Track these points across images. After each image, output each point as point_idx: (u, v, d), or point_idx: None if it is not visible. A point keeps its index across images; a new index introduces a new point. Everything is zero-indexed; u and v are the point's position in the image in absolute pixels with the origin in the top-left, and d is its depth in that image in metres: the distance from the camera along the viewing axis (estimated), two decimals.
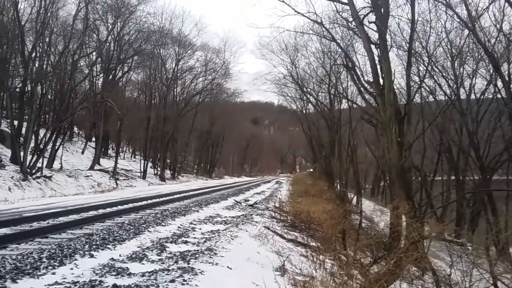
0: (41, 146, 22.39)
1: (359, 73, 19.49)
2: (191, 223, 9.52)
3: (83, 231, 8.01)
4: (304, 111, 39.18)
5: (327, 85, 29.72)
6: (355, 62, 20.46)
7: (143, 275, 4.84)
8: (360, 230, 10.50)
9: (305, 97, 34.65)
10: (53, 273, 4.81)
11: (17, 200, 15.87)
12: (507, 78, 17.47)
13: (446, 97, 22.38)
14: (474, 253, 7.55)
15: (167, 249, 6.43)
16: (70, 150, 33.07)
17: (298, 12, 17.52)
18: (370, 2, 13.88)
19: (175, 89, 45.05)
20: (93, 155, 32.22)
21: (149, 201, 14.59)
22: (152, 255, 5.96)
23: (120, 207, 12.33)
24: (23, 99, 22.76)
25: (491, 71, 19.48)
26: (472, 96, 22.54)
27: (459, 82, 21.38)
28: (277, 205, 14.93)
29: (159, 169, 40.47)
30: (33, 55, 22.58)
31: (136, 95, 46.73)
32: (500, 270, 6.61)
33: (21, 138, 21.80)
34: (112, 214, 10.59)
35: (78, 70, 28.78)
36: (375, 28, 14.04)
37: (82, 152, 34.85)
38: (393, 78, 13.34)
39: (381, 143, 20.69)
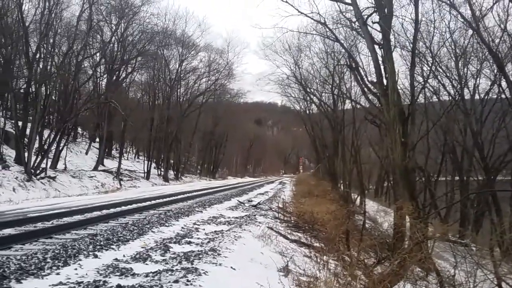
0: (45, 147, 22.48)
1: (362, 73, 19.48)
2: (194, 223, 9.53)
3: (87, 232, 8.03)
4: (307, 112, 39.19)
5: (330, 86, 29.69)
6: (358, 63, 20.41)
7: (147, 275, 4.85)
8: (364, 230, 10.47)
9: (308, 98, 34.69)
10: (58, 274, 4.83)
11: (21, 201, 15.93)
12: (511, 78, 17.40)
13: (450, 97, 22.34)
14: (478, 253, 7.51)
15: (170, 249, 6.44)
16: (74, 150, 33.18)
17: (302, 13, 17.49)
18: (373, 2, 13.85)
19: (178, 90, 45.11)
20: (97, 156, 32.31)
21: (153, 202, 14.63)
22: (156, 255, 5.97)
23: (123, 208, 12.37)
24: (28, 100, 22.84)
25: (495, 71, 19.42)
26: (476, 96, 22.47)
27: (463, 82, 21.33)
28: (280, 205, 14.91)
29: (162, 169, 40.53)
30: (37, 56, 22.66)
31: (140, 96, 46.87)
32: (505, 271, 6.57)
33: (26, 139, 21.87)
34: (116, 215, 10.62)
35: (82, 71, 28.84)
36: (378, 28, 14.00)
37: (86, 153, 34.96)
38: (396, 78, 13.33)
39: (385, 144, 20.63)
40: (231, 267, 5.54)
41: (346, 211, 11.78)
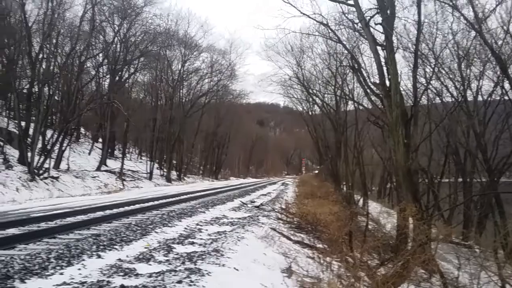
0: (48, 147, 22.52)
1: (365, 74, 19.42)
2: (197, 224, 9.53)
3: (90, 232, 8.05)
4: (310, 113, 39.13)
5: (333, 87, 29.61)
6: (361, 64, 20.35)
7: (150, 275, 4.85)
8: (367, 232, 10.47)
9: (311, 99, 34.61)
10: (61, 273, 4.84)
11: (24, 201, 15.99)
12: None
13: (453, 99, 22.27)
14: (482, 255, 7.51)
15: (174, 250, 6.44)
16: (77, 151, 33.24)
17: (304, 14, 17.45)
18: (376, 4, 13.82)
19: (181, 91, 45.17)
20: (100, 156, 32.36)
21: (156, 202, 14.64)
22: (159, 256, 5.97)
23: (126, 208, 12.39)
24: (31, 100, 22.91)
25: (498, 73, 19.35)
26: (479, 98, 22.41)
27: (466, 84, 21.25)
28: (283, 206, 14.91)
29: (165, 170, 40.57)
30: (40, 56, 22.69)
31: (142, 97, 46.94)
32: (509, 273, 6.56)
33: (29, 139, 21.92)
34: (119, 215, 10.63)
35: (84, 72, 28.93)
36: (381, 29, 13.99)
37: (89, 153, 35.02)
38: (399, 79, 13.32)
39: (388, 145, 20.60)
40: (234, 268, 5.53)
41: (349, 213, 11.80)
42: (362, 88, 19.90)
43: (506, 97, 19.93)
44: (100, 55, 30.95)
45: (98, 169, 29.30)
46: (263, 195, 22.90)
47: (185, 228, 8.78)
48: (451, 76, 21.36)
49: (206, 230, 8.73)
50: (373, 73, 19.41)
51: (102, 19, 29.12)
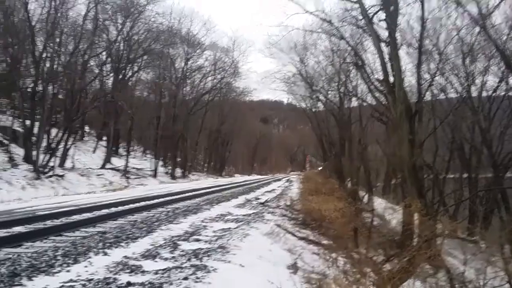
0: (53, 146, 22.60)
1: (368, 71, 19.40)
2: (202, 221, 9.55)
3: (96, 229, 8.08)
4: (313, 110, 39.04)
5: (336, 84, 29.52)
6: (364, 60, 20.28)
7: (156, 272, 4.87)
8: (372, 228, 10.45)
9: (314, 96, 34.51)
10: (68, 271, 4.86)
11: (30, 199, 16.05)
12: None
13: (458, 95, 22.18)
14: (488, 251, 7.48)
15: (179, 247, 6.46)
16: (81, 149, 33.32)
17: (307, 11, 17.45)
18: (379, 0, 13.79)
19: (184, 88, 45.18)
20: (105, 154, 32.44)
21: (161, 199, 14.68)
22: (165, 252, 5.99)
23: (132, 206, 12.43)
24: (35, 99, 22.96)
25: (503, 68, 19.26)
26: (484, 94, 22.30)
27: (470, 79, 21.15)
28: (288, 203, 14.91)
29: (169, 167, 40.63)
30: (44, 55, 22.75)
31: (146, 95, 46.98)
32: None
33: (34, 138, 21.99)
34: (124, 212, 10.67)
35: (88, 70, 28.97)
36: (384, 26, 13.94)
37: (94, 151, 35.11)
38: (403, 76, 13.28)
39: (392, 141, 20.54)
40: (240, 264, 5.55)
41: (354, 209, 11.78)
42: (366, 85, 19.91)
43: (511, 93, 19.85)
44: (104, 53, 31.04)
45: (103, 167, 29.38)
46: (267, 192, 22.91)
47: (190, 225, 8.80)
48: (455, 72, 21.27)
49: (211, 227, 8.74)
50: (377, 70, 19.32)
51: (105, 18, 29.18)
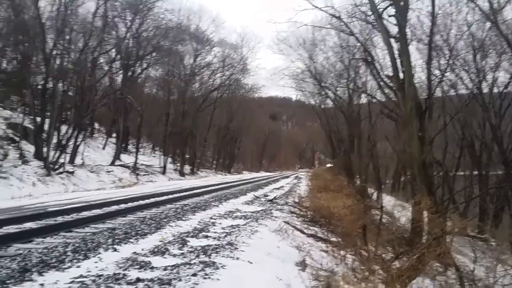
0: (63, 142, 22.77)
1: (378, 67, 19.28)
2: (211, 217, 9.57)
3: (106, 226, 8.14)
4: (322, 106, 38.94)
5: (345, 80, 29.40)
6: (374, 56, 20.17)
7: (165, 268, 4.89)
8: (381, 225, 10.41)
9: (323, 92, 34.36)
10: (78, 266, 4.90)
11: (41, 195, 16.21)
12: None
13: (468, 91, 21.99)
14: (498, 249, 7.43)
15: (188, 243, 6.47)
16: (91, 146, 33.53)
17: (316, 7, 17.40)
18: None
19: (193, 85, 45.21)
20: (114, 151, 32.63)
21: (170, 196, 14.74)
22: (173, 249, 6.01)
23: (141, 202, 12.49)
24: (45, 96, 23.13)
25: None
26: (495, 90, 22.09)
27: (481, 75, 20.96)
28: (296, 200, 14.90)
29: (178, 164, 40.78)
30: (54, 52, 22.89)
31: (155, 91, 47.12)
32: None
33: (44, 135, 22.17)
34: (133, 209, 10.73)
35: (98, 67, 29.11)
36: (394, 21, 13.85)
37: (103, 148, 35.32)
38: (413, 72, 13.18)
39: (402, 138, 20.43)
40: (248, 261, 5.55)
41: (363, 206, 11.75)
42: (375, 81, 19.78)
43: None
44: (113, 50, 31.11)
45: (113, 163, 29.56)
46: (276, 188, 22.90)
47: (199, 222, 8.82)
48: (466, 68, 21.10)
49: (220, 223, 8.76)
50: (386, 66, 19.21)
51: (114, 15, 29.27)
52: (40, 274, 4.55)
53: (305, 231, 9.48)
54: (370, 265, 6.30)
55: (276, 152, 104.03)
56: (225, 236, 7.22)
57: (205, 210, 11.10)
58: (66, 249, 5.69)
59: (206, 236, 7.17)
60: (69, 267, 4.87)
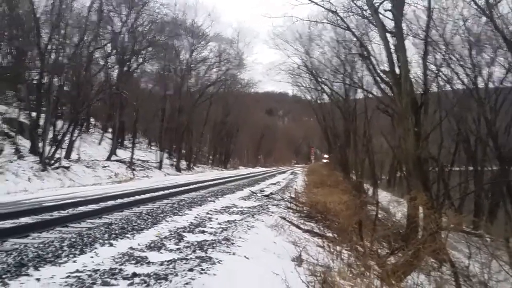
0: (59, 137, 22.69)
1: (374, 62, 19.28)
2: (207, 213, 9.58)
3: (102, 221, 8.14)
4: (318, 101, 38.99)
5: (342, 75, 29.44)
6: (370, 51, 20.17)
7: (161, 263, 4.90)
8: (377, 221, 10.44)
9: (319, 87, 34.46)
10: (74, 261, 4.90)
11: (36, 190, 16.16)
12: None
13: (464, 86, 22.05)
14: (493, 244, 7.47)
15: (184, 238, 6.48)
16: (87, 141, 33.42)
17: (312, 1, 17.31)
18: None
19: (189, 80, 45.08)
20: (110, 146, 32.55)
21: (166, 191, 14.74)
22: (170, 244, 6.02)
23: (137, 197, 12.49)
24: (40, 91, 23.02)
25: (510, 59, 19.10)
26: (491, 85, 22.15)
27: (476, 70, 21.02)
28: (292, 195, 14.92)
29: (174, 159, 40.75)
30: (49, 47, 22.75)
31: (151, 86, 46.97)
32: None
33: (40, 130, 22.09)
34: (129, 204, 10.73)
35: (93, 62, 28.97)
36: (390, 16, 13.87)
37: (99, 143, 35.21)
38: (409, 67, 13.20)
39: (397, 133, 20.49)
40: (245, 256, 5.56)
41: (358, 201, 11.77)
42: (372, 76, 19.80)
43: None
44: (108, 45, 30.96)
45: (109, 159, 29.50)
46: (272, 184, 22.94)
47: (196, 217, 8.83)
48: (461, 63, 21.13)
49: (216, 219, 8.77)
50: (383, 61, 19.22)
51: (109, 9, 29.10)
52: (36, 269, 4.54)
53: (301, 226, 9.50)
54: (366, 260, 6.32)
55: (272, 147, 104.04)
56: (222, 231, 7.23)
57: (201, 205, 11.11)
58: (62, 244, 5.68)
59: (203, 231, 7.18)
60: (65, 262, 4.87)
